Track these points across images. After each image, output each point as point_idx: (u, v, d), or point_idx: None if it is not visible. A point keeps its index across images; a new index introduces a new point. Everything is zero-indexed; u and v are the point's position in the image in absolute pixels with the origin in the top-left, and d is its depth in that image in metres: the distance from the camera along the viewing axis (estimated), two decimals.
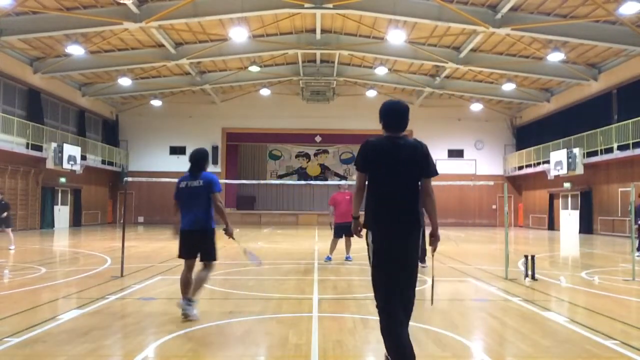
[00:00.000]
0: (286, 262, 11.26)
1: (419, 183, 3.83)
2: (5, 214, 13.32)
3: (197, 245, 5.70)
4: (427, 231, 3.85)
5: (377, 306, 3.68)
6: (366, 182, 3.87)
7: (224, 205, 5.92)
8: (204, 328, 5.24)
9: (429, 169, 3.82)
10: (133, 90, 28.23)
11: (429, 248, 3.88)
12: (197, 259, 5.79)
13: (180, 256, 5.80)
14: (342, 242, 10.95)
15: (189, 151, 33.76)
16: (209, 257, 5.74)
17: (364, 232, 3.93)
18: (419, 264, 4.01)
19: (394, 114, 3.94)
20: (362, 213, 3.87)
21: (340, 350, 4.49)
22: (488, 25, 18.54)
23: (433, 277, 4.13)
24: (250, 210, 33.31)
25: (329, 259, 10.84)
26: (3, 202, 13.55)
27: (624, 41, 18.95)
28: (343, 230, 10.52)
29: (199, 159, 5.85)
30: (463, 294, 7.57)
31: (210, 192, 5.69)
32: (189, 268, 5.76)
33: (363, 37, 23.12)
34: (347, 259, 10.83)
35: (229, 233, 5.77)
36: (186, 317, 5.52)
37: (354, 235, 4.04)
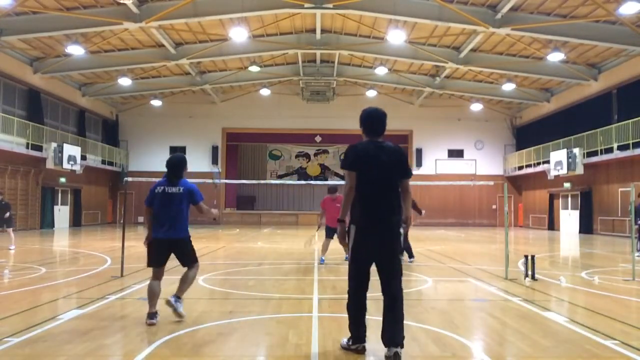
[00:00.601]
0: (286, 262, 11.27)
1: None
2: (7, 214, 13.33)
3: (176, 252, 5.59)
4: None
5: (348, 292, 4.37)
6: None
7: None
8: (204, 328, 5.25)
9: (408, 171, 4.39)
10: (133, 90, 28.24)
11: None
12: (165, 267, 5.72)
13: (150, 265, 5.59)
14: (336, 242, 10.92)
15: (189, 151, 33.82)
16: (191, 261, 5.65)
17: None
18: (402, 258, 4.49)
19: (373, 120, 4.42)
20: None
21: (340, 350, 4.49)
22: (488, 25, 18.54)
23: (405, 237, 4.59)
24: (250, 210, 33.31)
25: (322, 261, 10.84)
26: (4, 203, 13.55)
27: (624, 41, 18.95)
28: (333, 231, 10.52)
29: (177, 166, 5.62)
30: (463, 294, 7.57)
31: (195, 202, 5.57)
32: (158, 277, 5.62)
33: (363, 37, 23.13)
34: (347, 259, 10.78)
35: (216, 217, 6.01)
36: (179, 317, 5.46)
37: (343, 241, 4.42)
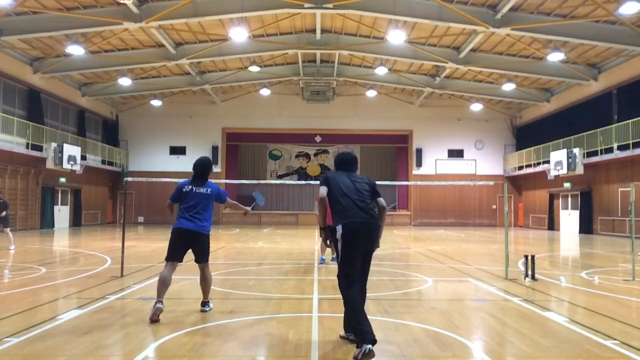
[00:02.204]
0: (286, 262, 11.27)
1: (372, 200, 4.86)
2: (4, 212, 13.26)
3: (195, 247, 5.84)
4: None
5: (340, 284, 4.69)
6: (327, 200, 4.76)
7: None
8: (204, 328, 5.25)
9: (377, 191, 4.94)
10: (133, 90, 28.24)
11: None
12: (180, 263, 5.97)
13: (169, 259, 5.77)
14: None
15: (189, 151, 33.81)
16: (205, 258, 5.95)
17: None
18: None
19: (344, 162, 5.02)
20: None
21: (340, 350, 4.50)
22: (488, 25, 18.54)
23: None
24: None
25: (322, 260, 10.86)
26: (2, 201, 13.46)
27: (624, 41, 18.95)
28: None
29: (206, 169, 5.99)
30: (463, 294, 7.57)
31: (222, 201, 6.06)
32: (172, 269, 5.80)
33: (363, 37, 23.13)
34: (334, 259, 10.72)
35: (247, 212, 6.50)
36: (156, 320, 5.43)
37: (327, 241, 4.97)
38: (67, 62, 23.08)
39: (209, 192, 5.88)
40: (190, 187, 5.88)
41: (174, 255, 5.78)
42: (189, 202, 5.81)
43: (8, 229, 13.37)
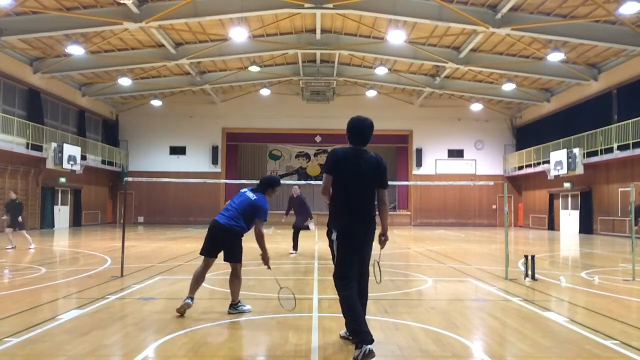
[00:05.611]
0: (286, 262, 11.27)
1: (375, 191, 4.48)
2: (20, 217, 13.60)
3: (223, 243, 5.89)
4: (378, 231, 4.51)
5: (336, 285, 4.37)
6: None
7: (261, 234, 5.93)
8: (204, 328, 5.25)
9: (385, 182, 4.50)
10: (133, 90, 28.25)
11: (377, 246, 4.51)
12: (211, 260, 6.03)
13: (201, 252, 5.97)
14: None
15: (189, 151, 33.87)
16: (233, 257, 5.92)
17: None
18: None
19: (357, 130, 4.51)
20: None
21: (340, 350, 4.50)
22: (488, 25, 18.55)
23: (379, 263, 4.67)
24: None
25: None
26: (18, 202, 13.86)
27: (624, 41, 18.95)
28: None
29: (266, 183, 6.08)
30: (463, 294, 7.57)
31: (255, 216, 5.85)
32: (205, 266, 5.94)
33: (363, 37, 23.14)
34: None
35: (264, 260, 5.99)
36: (182, 314, 5.72)
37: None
38: (67, 62, 23.08)
39: (252, 199, 5.89)
40: (246, 189, 6.10)
41: (205, 250, 5.91)
42: (234, 199, 6.05)
43: (24, 231, 13.73)
